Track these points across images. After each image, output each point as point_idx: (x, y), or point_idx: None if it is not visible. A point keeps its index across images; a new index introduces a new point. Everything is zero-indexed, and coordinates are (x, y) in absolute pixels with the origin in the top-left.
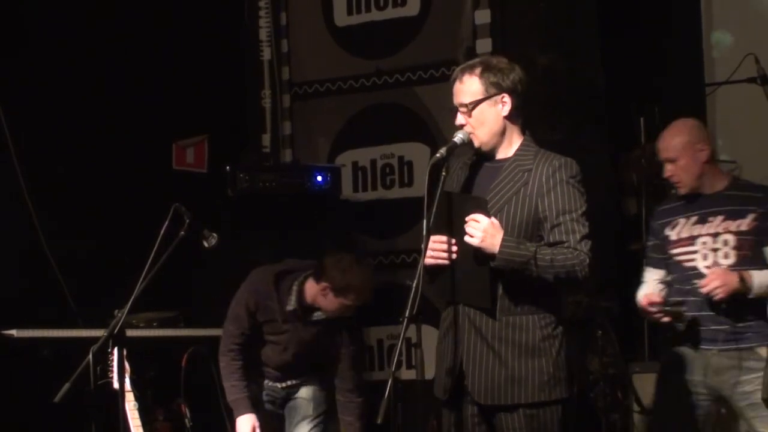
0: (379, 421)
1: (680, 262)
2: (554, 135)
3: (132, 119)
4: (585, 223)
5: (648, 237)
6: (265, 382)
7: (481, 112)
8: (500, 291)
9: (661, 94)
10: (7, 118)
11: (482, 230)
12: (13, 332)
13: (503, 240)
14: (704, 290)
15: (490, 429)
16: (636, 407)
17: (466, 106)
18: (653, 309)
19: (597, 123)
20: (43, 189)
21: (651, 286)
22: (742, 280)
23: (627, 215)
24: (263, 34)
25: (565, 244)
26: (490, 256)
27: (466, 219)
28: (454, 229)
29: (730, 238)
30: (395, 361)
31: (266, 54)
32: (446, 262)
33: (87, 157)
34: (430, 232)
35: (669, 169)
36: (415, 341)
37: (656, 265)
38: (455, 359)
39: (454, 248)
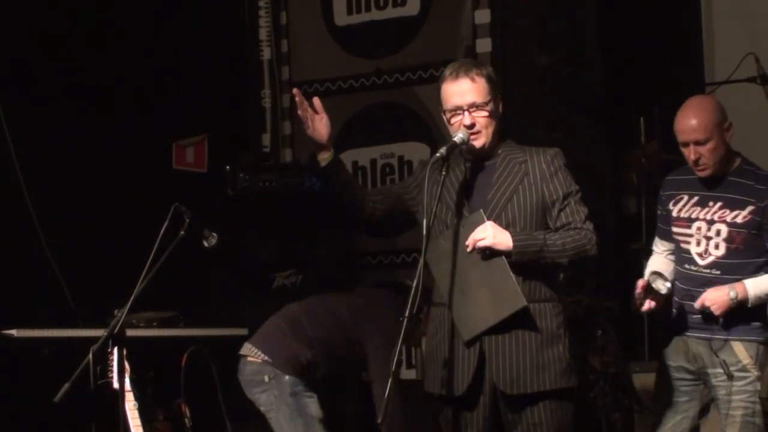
0: (379, 420)
1: (678, 241)
2: (554, 134)
3: (132, 118)
4: (585, 205)
5: (657, 206)
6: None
7: (493, 111)
8: (519, 280)
9: (661, 94)
10: (7, 117)
11: (489, 228)
12: (13, 332)
13: (512, 233)
14: (697, 306)
15: (497, 428)
16: (636, 406)
17: (480, 105)
18: (638, 290)
19: (597, 123)
20: (42, 187)
21: (658, 261)
22: (735, 296)
23: (627, 215)
24: (263, 34)
25: (572, 225)
26: (506, 253)
27: (467, 243)
28: (464, 258)
29: (723, 229)
30: (395, 360)
31: (266, 54)
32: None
33: (87, 156)
34: (429, 232)
35: (696, 151)
36: None
37: (664, 237)
38: (473, 354)
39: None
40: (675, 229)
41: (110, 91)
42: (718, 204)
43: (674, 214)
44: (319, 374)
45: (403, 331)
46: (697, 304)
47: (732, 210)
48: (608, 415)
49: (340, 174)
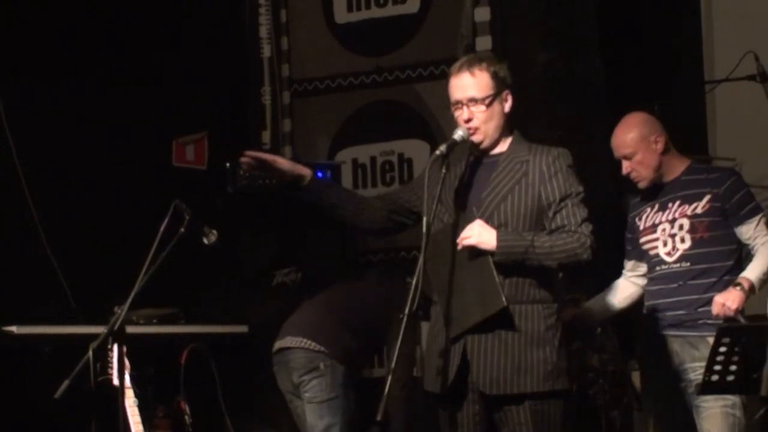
0: (378, 417)
1: (647, 250)
2: (553, 132)
3: (132, 116)
4: (585, 207)
5: (626, 231)
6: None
7: (492, 107)
8: (505, 280)
9: (660, 92)
10: (8, 115)
11: (476, 227)
12: (14, 329)
13: (499, 233)
14: (717, 312)
15: (491, 428)
16: (635, 404)
17: (479, 100)
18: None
19: (596, 120)
20: (43, 185)
21: (619, 282)
22: (740, 287)
23: (627, 213)
24: (263, 32)
25: (566, 227)
26: (490, 253)
27: (458, 241)
28: (456, 256)
29: (685, 222)
30: (395, 357)
31: (266, 51)
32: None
33: (87, 153)
34: (430, 229)
35: (626, 166)
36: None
37: (628, 257)
38: (457, 352)
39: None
40: (643, 240)
41: (110, 88)
42: (677, 203)
43: (641, 227)
44: (361, 365)
45: (402, 329)
46: (714, 311)
47: (690, 204)
48: (607, 412)
49: (322, 198)
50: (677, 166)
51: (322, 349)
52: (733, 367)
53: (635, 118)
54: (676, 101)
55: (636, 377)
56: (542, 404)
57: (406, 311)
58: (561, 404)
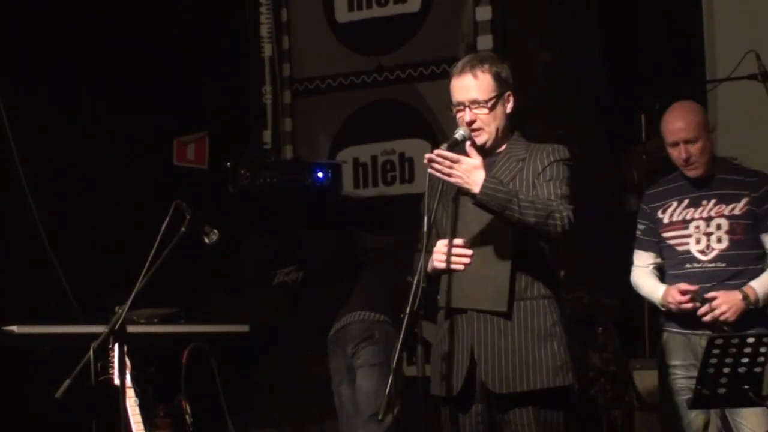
0: (380, 417)
1: (673, 245)
2: (554, 131)
3: (133, 115)
4: (568, 189)
5: (638, 221)
6: None
7: (494, 109)
8: (512, 278)
9: (662, 91)
10: (9, 114)
11: (467, 163)
12: (14, 328)
13: (486, 178)
14: (708, 318)
15: (493, 429)
16: (637, 404)
17: (481, 103)
18: (684, 298)
19: (597, 119)
20: (43, 184)
21: (646, 272)
22: (746, 297)
23: (628, 212)
24: (264, 31)
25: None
26: (471, 194)
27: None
28: (460, 231)
29: (724, 222)
30: (396, 357)
31: (267, 50)
32: (460, 268)
33: (88, 153)
34: (431, 229)
35: (687, 150)
36: None
37: (647, 248)
38: (465, 354)
39: (468, 252)
40: (669, 234)
41: (112, 87)
42: (713, 201)
43: (666, 220)
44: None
45: (404, 328)
46: (705, 308)
47: (728, 204)
48: (609, 412)
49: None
50: (714, 162)
51: (382, 317)
52: (724, 380)
53: (695, 104)
54: (677, 100)
55: (637, 376)
56: (545, 404)
57: (407, 311)
58: (565, 404)
